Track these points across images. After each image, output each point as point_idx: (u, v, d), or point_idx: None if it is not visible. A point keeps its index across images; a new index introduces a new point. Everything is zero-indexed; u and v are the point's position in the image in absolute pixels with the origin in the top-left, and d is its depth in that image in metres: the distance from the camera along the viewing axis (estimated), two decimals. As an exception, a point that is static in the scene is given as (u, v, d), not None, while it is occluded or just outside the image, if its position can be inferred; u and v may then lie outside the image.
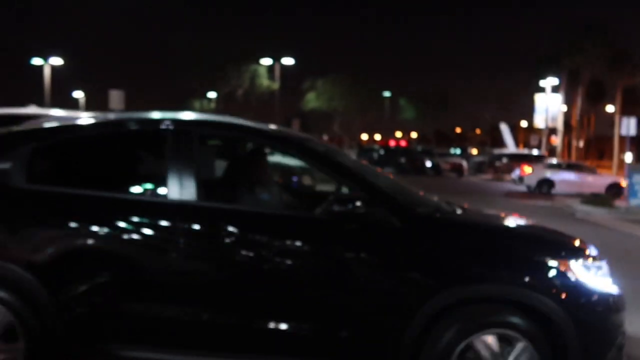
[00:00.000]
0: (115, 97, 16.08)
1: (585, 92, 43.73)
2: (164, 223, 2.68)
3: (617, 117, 46.18)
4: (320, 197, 3.10)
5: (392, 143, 63.81)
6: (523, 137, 55.25)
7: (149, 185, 2.96)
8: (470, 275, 2.59)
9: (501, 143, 42.02)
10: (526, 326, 2.53)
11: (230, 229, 2.63)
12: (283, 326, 2.61)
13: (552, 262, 2.63)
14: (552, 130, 37.55)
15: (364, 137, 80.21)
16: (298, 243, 2.68)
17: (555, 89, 37.45)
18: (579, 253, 2.80)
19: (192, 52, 28.82)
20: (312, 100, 36.76)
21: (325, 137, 69.52)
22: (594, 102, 51.37)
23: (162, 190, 2.78)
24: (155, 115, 3.06)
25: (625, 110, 46.46)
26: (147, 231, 2.68)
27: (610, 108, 52.26)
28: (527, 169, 19.73)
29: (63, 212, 2.75)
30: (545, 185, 18.72)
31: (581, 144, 51.48)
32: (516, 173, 20.73)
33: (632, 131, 18.45)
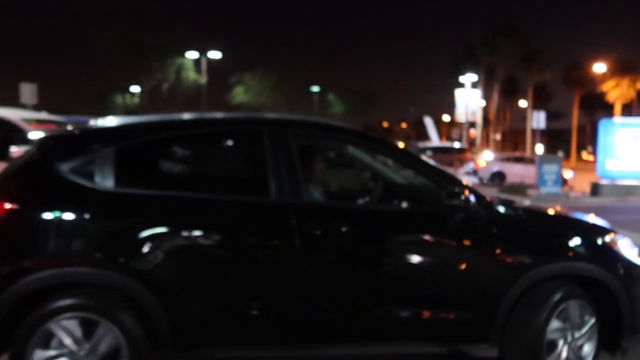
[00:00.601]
0: (27, 90, 14.96)
1: (501, 88, 46.44)
2: (272, 223, 2.68)
3: (529, 112, 49.46)
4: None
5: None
6: (446, 130, 57.72)
7: (247, 186, 2.86)
8: (549, 255, 2.92)
9: (426, 136, 43.67)
10: (588, 296, 2.95)
11: (353, 227, 2.75)
12: (405, 313, 2.79)
13: (604, 240, 3.07)
14: (472, 124, 39.46)
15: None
16: (418, 236, 2.86)
17: (474, 85, 39.37)
18: (615, 232, 3.18)
19: (113, 44, 27.45)
20: (239, 95, 36.29)
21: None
22: (508, 97, 54.68)
23: (264, 190, 2.69)
24: (248, 115, 3.05)
25: (536, 105, 49.83)
26: (253, 232, 2.67)
27: (523, 103, 55.87)
28: (481, 163, 20.97)
29: (165, 216, 2.60)
30: (498, 177, 19.84)
31: (498, 136, 54.65)
32: (470, 166, 21.91)
33: (542, 124, 19.87)
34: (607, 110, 53.12)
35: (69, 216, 2.51)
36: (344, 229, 2.75)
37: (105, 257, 2.52)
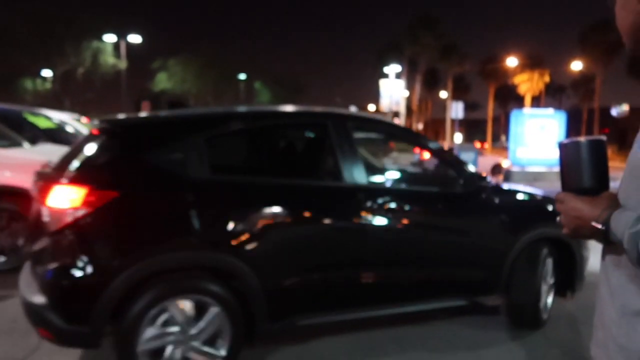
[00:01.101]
0: None
1: (423, 79, 48.18)
2: (345, 203, 3.08)
3: (448, 102, 51.72)
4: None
5: (249, 126, 63.58)
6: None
7: (322, 172, 3.30)
8: (533, 222, 3.68)
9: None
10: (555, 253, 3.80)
11: (404, 204, 3.30)
12: (443, 275, 3.44)
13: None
14: (396, 114, 40.68)
15: (221, 120, 78.77)
16: (450, 212, 3.49)
17: (398, 76, 40.58)
18: None
19: (19, 23, 25.35)
20: (163, 81, 34.95)
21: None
22: (430, 88, 56.87)
23: (338, 176, 3.11)
24: (316, 109, 3.47)
25: (456, 95, 52.25)
26: (331, 211, 3.06)
27: (443, 94, 58.36)
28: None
29: (257, 201, 2.87)
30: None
31: (420, 126, 56.74)
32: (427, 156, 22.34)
33: (460, 114, 20.90)
34: (519, 101, 56.77)
35: (168, 203, 2.69)
36: (399, 207, 3.28)
37: (209, 241, 2.74)
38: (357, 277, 3.13)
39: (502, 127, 70.23)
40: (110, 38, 28.55)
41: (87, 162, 2.71)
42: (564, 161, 1.27)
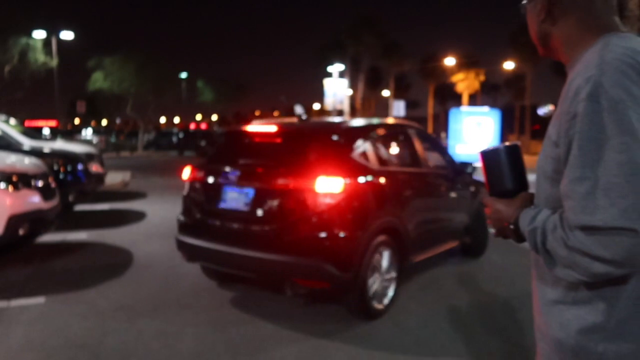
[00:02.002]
0: None
1: (365, 78, 48.85)
2: (425, 182, 5.22)
3: (391, 101, 52.73)
4: None
5: (192, 126, 62.14)
6: (316, 118, 59.16)
7: (413, 162, 5.13)
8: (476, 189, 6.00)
9: (297, 124, 44.10)
10: None
11: (440, 181, 5.49)
12: (451, 227, 5.63)
13: None
14: (340, 112, 41.07)
15: (163, 120, 76.63)
16: (459, 186, 5.71)
17: (341, 75, 40.91)
18: None
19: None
20: (99, 81, 33.50)
21: (118, 121, 64.36)
22: (373, 87, 57.76)
23: (419, 164, 5.16)
24: (397, 120, 5.57)
25: (397, 94, 53.36)
26: (423, 184, 5.12)
27: (386, 92, 59.44)
28: None
29: (403, 183, 4.71)
30: None
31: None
32: None
33: (402, 112, 21.39)
34: (457, 99, 58.76)
35: (373, 187, 4.19)
36: (439, 182, 5.45)
37: (389, 210, 4.36)
38: (437, 228, 5.29)
39: (442, 124, 72.47)
40: (40, 34, 27.06)
41: (321, 157, 4.02)
42: (486, 167, 1.36)
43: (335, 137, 4.23)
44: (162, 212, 9.50)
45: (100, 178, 10.42)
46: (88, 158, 9.30)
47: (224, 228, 4.15)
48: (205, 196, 4.33)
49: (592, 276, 1.05)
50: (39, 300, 4.51)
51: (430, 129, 60.11)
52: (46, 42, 27.61)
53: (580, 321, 1.14)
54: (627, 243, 0.98)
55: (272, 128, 4.35)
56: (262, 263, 3.88)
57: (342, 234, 3.78)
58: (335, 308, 4.38)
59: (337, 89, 39.66)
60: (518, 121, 50.73)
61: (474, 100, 50.79)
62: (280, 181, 3.90)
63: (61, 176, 8.11)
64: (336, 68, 39.16)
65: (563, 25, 1.20)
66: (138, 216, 8.94)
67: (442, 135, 30.93)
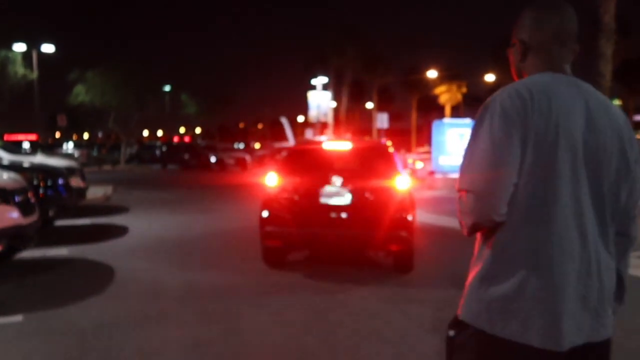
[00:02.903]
0: None
1: (349, 90, 49.19)
2: None
3: (374, 113, 53.08)
4: None
5: (175, 139, 61.88)
6: (300, 130, 59.36)
7: None
8: None
9: (281, 137, 44.37)
10: None
11: None
12: None
13: None
14: (325, 124, 41.15)
15: (145, 133, 76.08)
16: None
17: (325, 87, 41.10)
18: None
19: None
20: (81, 94, 33.15)
21: (100, 135, 63.70)
22: (356, 99, 58.21)
23: None
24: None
25: (381, 106, 53.73)
26: None
27: (369, 105, 59.86)
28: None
29: None
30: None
31: (348, 136, 57.79)
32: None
33: (385, 124, 21.57)
34: (440, 111, 59.38)
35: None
36: None
37: None
38: None
39: (424, 136, 73.11)
40: (20, 47, 26.77)
41: (389, 164, 6.19)
42: None
43: (391, 150, 6.53)
44: (144, 226, 9.39)
45: (81, 192, 10.27)
46: (69, 172, 9.19)
47: (329, 218, 5.85)
48: (306, 196, 5.93)
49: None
50: (17, 318, 4.41)
51: (413, 141, 60.64)
52: (26, 55, 27.32)
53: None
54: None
55: (346, 145, 6.57)
56: (365, 238, 5.85)
57: (410, 214, 5.90)
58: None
59: (321, 101, 39.82)
60: (500, 132, 51.43)
61: (456, 112, 51.43)
62: (368, 182, 5.93)
63: (41, 191, 7.98)
64: (320, 81, 39.37)
65: (530, 64, 1.59)
66: (120, 231, 8.82)
67: (426, 147, 31.21)
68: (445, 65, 48.93)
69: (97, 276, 5.87)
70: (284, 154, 7.37)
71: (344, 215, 5.84)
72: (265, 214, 6.04)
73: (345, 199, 5.83)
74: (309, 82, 41.35)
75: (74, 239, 7.90)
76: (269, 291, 5.34)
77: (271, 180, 6.10)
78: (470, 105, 55.57)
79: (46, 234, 7.82)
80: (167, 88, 51.23)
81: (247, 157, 31.57)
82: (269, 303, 4.96)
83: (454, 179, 8.03)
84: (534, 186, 1.40)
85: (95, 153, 37.36)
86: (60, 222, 9.25)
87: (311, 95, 39.94)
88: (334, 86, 44.65)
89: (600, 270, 1.45)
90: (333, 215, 5.85)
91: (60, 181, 8.40)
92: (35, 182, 7.92)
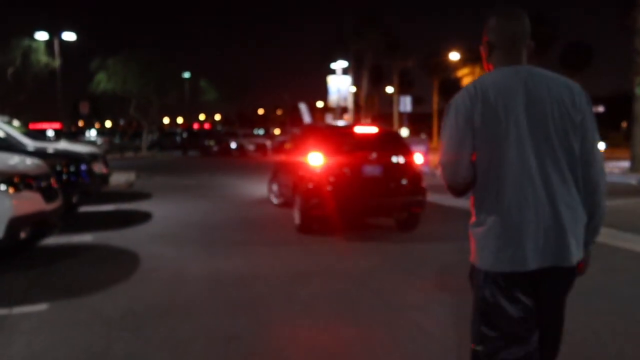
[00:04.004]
0: None
1: (369, 74, 48.53)
2: None
3: (395, 97, 52.34)
4: None
5: (195, 126, 62.12)
6: (320, 116, 59.00)
7: None
8: None
9: (301, 122, 44.12)
10: None
11: None
12: None
13: None
14: (344, 109, 40.75)
15: (166, 120, 76.59)
16: None
17: (344, 72, 40.56)
18: None
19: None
20: (102, 81, 33.29)
21: (121, 122, 64.22)
22: (376, 84, 57.46)
23: None
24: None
25: (401, 90, 53.01)
26: None
27: (389, 89, 59.10)
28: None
29: None
30: None
31: (368, 120, 57.19)
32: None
33: (409, 108, 21.10)
34: (462, 95, 58.04)
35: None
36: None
37: None
38: None
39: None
40: (42, 36, 26.95)
41: (405, 145, 7.84)
42: None
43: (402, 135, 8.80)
44: (167, 212, 9.30)
45: (104, 178, 10.22)
46: (92, 158, 9.12)
47: (369, 188, 7.19)
48: (350, 170, 7.18)
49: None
50: (42, 307, 4.31)
51: (435, 126, 59.76)
52: (48, 44, 27.51)
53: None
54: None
55: (373, 129, 8.15)
56: (395, 203, 7.31)
57: (424, 183, 7.56)
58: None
59: (340, 85, 39.37)
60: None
61: (479, 95, 50.17)
62: (394, 158, 7.42)
63: (64, 177, 7.91)
64: (339, 65, 38.82)
65: (494, 59, 2.02)
66: (143, 217, 8.74)
67: (423, 136, 30.66)
68: (467, 46, 47.70)
69: (122, 263, 5.76)
70: (315, 135, 8.33)
71: (380, 185, 7.21)
72: (310, 187, 7.22)
73: (380, 172, 7.26)
74: (329, 66, 40.83)
75: (98, 226, 7.83)
76: (297, 280, 5.16)
77: (314, 158, 7.29)
78: (493, 88, 54.19)
79: (70, 220, 7.77)
80: (187, 75, 51.33)
81: (268, 143, 31.43)
82: (297, 292, 4.77)
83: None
84: (489, 154, 1.87)
85: (117, 140, 37.70)
86: (84, 209, 9.21)
87: (331, 80, 39.50)
88: (353, 70, 44.06)
89: (557, 209, 1.84)
90: (371, 185, 7.16)
91: (83, 167, 8.33)
92: (58, 168, 7.85)
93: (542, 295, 1.91)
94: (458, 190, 1.96)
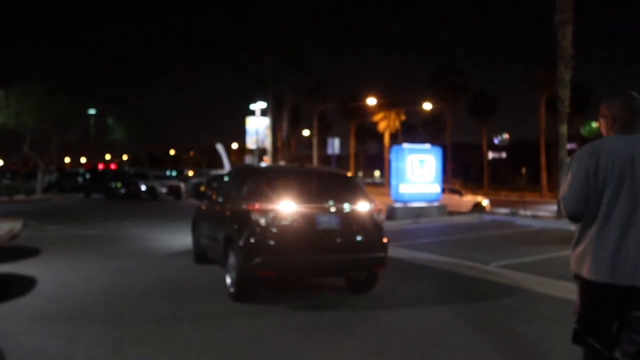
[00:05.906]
0: None
1: (289, 116, 47.96)
2: None
3: (315, 139, 52.15)
4: None
5: (100, 166, 57.64)
6: (235, 158, 57.29)
7: None
8: None
9: (216, 164, 42.20)
10: None
11: None
12: None
13: None
14: (263, 151, 39.59)
15: (67, 160, 70.63)
16: None
17: (263, 113, 39.61)
18: None
19: None
20: (-8, 115, 29.45)
21: (14, 161, 58.04)
22: (293, 125, 57.12)
23: None
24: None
25: (320, 133, 53.03)
26: None
27: (306, 132, 59.02)
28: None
29: None
30: None
31: (283, 163, 56.34)
32: None
33: (337, 150, 20.34)
34: (378, 138, 59.49)
35: None
36: None
37: None
38: None
39: (361, 163, 73.18)
40: None
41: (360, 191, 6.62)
42: None
43: (357, 179, 7.22)
44: (58, 276, 7.23)
45: (-27, 233, 8.00)
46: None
47: (323, 242, 6.01)
48: (301, 222, 5.95)
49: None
50: None
51: (352, 168, 60.21)
52: None
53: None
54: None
55: (326, 171, 7.84)
56: (351, 261, 6.19)
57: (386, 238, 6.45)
58: None
59: (259, 126, 38.30)
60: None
61: (394, 139, 51.45)
62: (351, 208, 6.23)
63: None
64: (258, 106, 37.82)
65: (616, 128, 2.82)
66: (23, 285, 6.61)
67: (376, 174, 30.88)
68: (383, 92, 48.84)
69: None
70: (255, 176, 6.87)
71: (337, 240, 6.10)
72: (251, 243, 5.84)
73: (337, 223, 6.12)
74: (247, 107, 39.68)
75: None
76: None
77: (255, 206, 5.95)
78: (408, 132, 55.95)
79: None
80: (92, 111, 47.61)
81: (182, 185, 29.18)
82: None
83: (416, 208, 10.49)
84: (598, 198, 2.64)
85: (7, 181, 33.34)
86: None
87: (250, 121, 38.33)
88: (272, 111, 43.20)
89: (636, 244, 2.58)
90: (326, 240, 6.03)
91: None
92: None
93: None
94: (573, 218, 2.72)
